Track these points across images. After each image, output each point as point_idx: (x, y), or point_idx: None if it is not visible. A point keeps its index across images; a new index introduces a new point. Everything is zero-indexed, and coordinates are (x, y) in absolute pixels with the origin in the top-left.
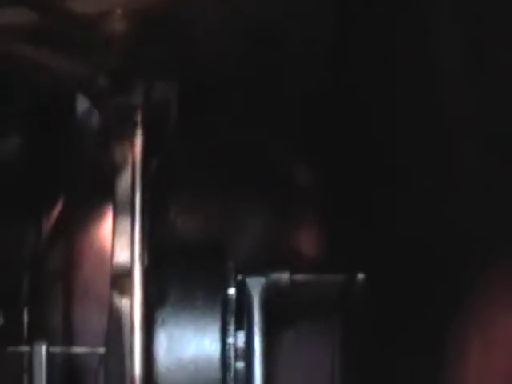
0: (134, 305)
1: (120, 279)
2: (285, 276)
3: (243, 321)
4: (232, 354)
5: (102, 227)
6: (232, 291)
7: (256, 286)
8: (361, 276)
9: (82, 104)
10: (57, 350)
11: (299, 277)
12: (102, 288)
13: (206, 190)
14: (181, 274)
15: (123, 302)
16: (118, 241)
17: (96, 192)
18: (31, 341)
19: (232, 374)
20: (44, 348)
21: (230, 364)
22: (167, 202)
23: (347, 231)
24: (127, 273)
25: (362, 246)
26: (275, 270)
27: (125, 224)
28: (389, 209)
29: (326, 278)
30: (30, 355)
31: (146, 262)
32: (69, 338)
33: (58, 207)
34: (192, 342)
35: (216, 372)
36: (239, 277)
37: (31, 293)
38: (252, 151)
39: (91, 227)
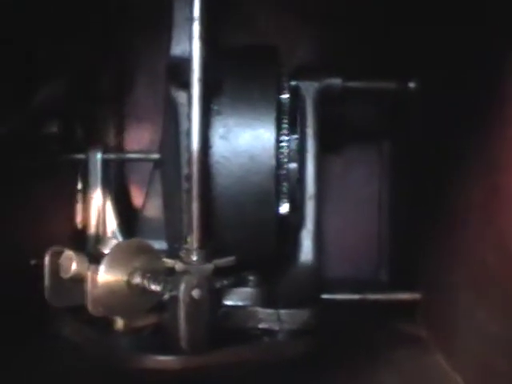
0: (193, 94)
1: (177, 71)
2: (337, 81)
3: (296, 126)
4: (285, 155)
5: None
6: (286, 96)
7: (309, 89)
8: (413, 84)
9: None
10: (111, 156)
11: (352, 83)
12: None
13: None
14: (236, 68)
15: (180, 94)
16: (175, 33)
17: None
18: (86, 148)
19: (285, 173)
20: (99, 154)
21: (283, 163)
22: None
23: (401, 39)
24: (185, 64)
25: (415, 54)
26: (328, 75)
27: (183, 14)
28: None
29: (377, 85)
30: (86, 162)
31: (204, 53)
32: (121, 148)
33: None
34: (247, 132)
35: (270, 160)
36: (293, 82)
37: (87, 104)
38: None
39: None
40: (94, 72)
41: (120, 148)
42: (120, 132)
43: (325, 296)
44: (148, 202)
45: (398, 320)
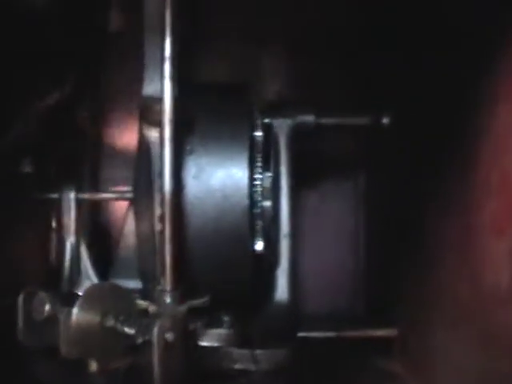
0: (164, 134)
1: (149, 110)
2: (310, 118)
3: (270, 163)
4: (259, 193)
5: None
6: (259, 134)
7: (282, 127)
8: (386, 120)
9: None
10: (85, 196)
11: (325, 119)
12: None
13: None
14: (208, 107)
15: (152, 133)
16: (148, 72)
17: None
18: (60, 188)
19: (259, 211)
20: (73, 194)
21: (257, 201)
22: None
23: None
24: (157, 104)
25: (389, 89)
26: (301, 112)
27: (155, 54)
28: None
29: (351, 121)
30: (59, 202)
31: (175, 93)
32: (96, 187)
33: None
34: (220, 171)
35: (243, 199)
36: (266, 120)
37: (60, 141)
38: None
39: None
40: (70, 108)
41: (95, 186)
42: (95, 170)
43: (301, 334)
44: (123, 241)
45: (376, 356)
